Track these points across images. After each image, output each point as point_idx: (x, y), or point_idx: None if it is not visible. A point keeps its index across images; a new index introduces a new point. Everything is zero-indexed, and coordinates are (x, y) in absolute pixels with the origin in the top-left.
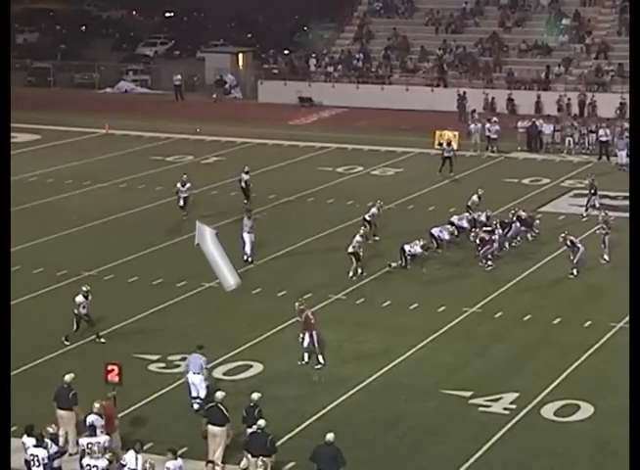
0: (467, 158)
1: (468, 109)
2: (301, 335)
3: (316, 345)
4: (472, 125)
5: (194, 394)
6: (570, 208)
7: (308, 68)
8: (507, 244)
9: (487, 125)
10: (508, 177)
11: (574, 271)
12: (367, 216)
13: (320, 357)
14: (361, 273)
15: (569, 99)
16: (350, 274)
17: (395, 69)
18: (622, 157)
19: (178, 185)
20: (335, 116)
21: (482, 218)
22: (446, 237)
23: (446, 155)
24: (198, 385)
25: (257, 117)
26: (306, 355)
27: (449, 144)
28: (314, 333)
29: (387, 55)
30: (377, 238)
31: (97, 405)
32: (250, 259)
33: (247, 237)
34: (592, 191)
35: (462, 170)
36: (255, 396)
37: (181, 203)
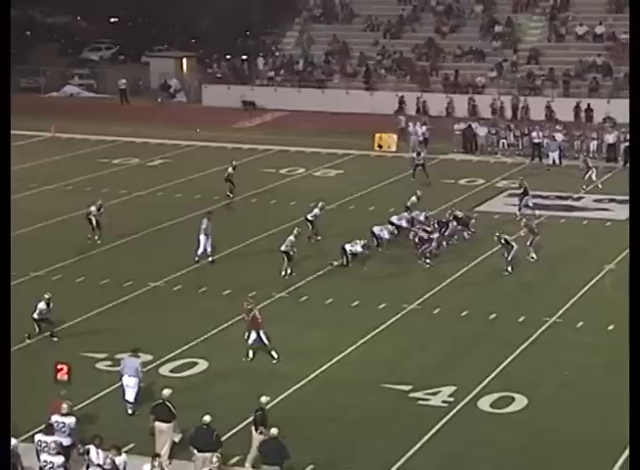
0: (406, 159)
1: (406, 112)
2: (247, 333)
3: (266, 342)
4: (410, 128)
5: (127, 397)
6: (504, 207)
7: (257, 68)
8: (444, 242)
9: (423, 128)
10: (445, 178)
11: (509, 268)
12: (309, 217)
13: (273, 353)
14: (290, 273)
15: (502, 102)
16: (283, 273)
17: (336, 73)
18: (554, 158)
19: (92, 208)
20: (277, 119)
21: (421, 218)
22: (386, 236)
23: (417, 163)
24: (132, 388)
25: (202, 121)
26: (251, 352)
27: (419, 154)
28: (261, 331)
29: (327, 60)
30: (319, 238)
31: (65, 406)
32: (212, 259)
33: (203, 239)
34: (523, 191)
35: (400, 172)
36: (264, 399)
37: (94, 225)
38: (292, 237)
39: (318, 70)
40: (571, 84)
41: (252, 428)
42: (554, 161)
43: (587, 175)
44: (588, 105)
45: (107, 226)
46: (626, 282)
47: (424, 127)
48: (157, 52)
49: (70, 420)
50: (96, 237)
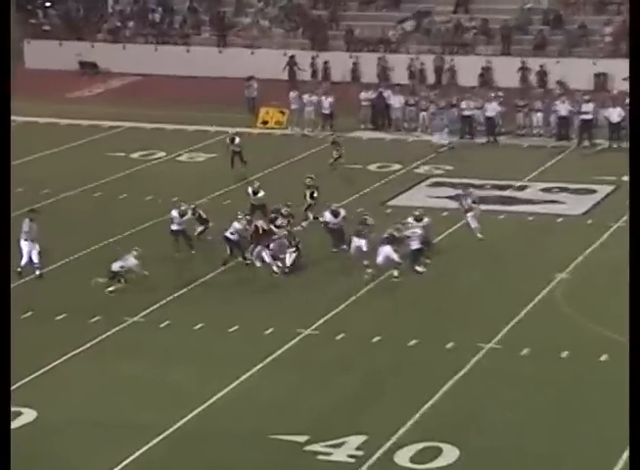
0: (299, 138)
1: (299, 76)
2: None
3: None
4: (304, 98)
5: None
6: (427, 200)
7: (101, 17)
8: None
9: (322, 98)
10: (350, 163)
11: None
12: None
13: None
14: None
15: (422, 64)
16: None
17: (204, 25)
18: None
19: None
20: (127, 85)
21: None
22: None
23: (235, 149)
24: None
25: (25, 88)
26: None
27: (232, 141)
28: None
29: (192, 7)
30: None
31: None
32: (40, 273)
33: (26, 245)
34: (311, 195)
35: (294, 155)
36: None
37: None
38: (132, 258)
39: (181, 22)
40: (511, 40)
41: None
42: (491, 138)
43: (335, 156)
44: (541, 66)
45: None
46: (582, 294)
47: (324, 98)
48: None
49: None
50: None
